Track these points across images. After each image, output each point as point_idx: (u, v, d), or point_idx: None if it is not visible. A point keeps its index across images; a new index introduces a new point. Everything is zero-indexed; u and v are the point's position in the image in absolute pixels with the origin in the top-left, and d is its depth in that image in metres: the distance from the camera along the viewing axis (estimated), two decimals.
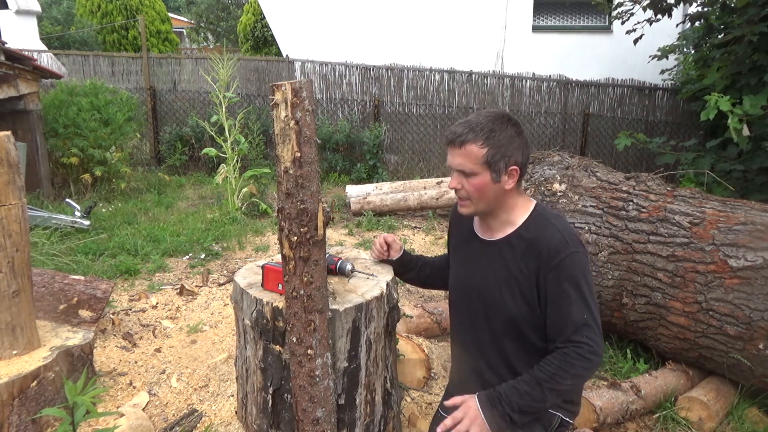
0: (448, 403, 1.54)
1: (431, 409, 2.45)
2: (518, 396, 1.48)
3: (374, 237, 5.32)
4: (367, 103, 8.08)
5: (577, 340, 1.48)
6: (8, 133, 2.01)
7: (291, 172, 1.45)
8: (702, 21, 6.48)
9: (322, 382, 1.55)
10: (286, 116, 1.42)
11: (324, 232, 1.49)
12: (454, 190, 1.59)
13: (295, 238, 1.49)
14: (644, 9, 6.23)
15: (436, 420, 1.84)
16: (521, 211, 1.59)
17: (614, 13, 6.69)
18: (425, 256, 2.08)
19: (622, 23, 6.57)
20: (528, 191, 3.36)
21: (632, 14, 6.43)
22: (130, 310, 3.49)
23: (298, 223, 1.48)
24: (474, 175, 1.52)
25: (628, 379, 2.58)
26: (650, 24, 6.32)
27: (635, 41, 6.39)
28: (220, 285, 3.98)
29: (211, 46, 21.33)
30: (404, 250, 2.04)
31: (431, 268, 2.02)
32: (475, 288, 1.66)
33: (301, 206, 1.47)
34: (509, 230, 1.59)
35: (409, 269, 2.02)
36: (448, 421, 1.49)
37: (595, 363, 1.49)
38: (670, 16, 6.26)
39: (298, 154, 1.44)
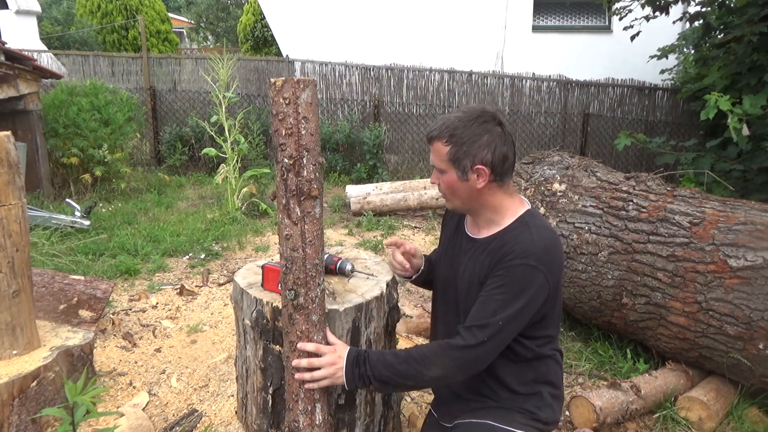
0: (303, 346, 1.47)
1: None
2: (384, 366, 1.44)
3: (374, 237, 5.30)
4: (367, 103, 8.08)
5: (462, 333, 1.44)
6: (8, 133, 2.01)
7: None
8: (701, 21, 6.48)
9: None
10: None
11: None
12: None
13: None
14: (642, 6, 6.24)
15: (427, 425, 1.82)
16: (510, 213, 1.54)
17: (613, 9, 6.69)
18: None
19: (620, 19, 6.57)
20: (528, 191, 3.35)
21: (630, 11, 6.43)
22: (130, 310, 3.49)
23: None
24: (443, 173, 1.52)
25: (628, 379, 2.58)
26: (647, 21, 6.31)
27: (632, 38, 6.39)
28: (220, 285, 3.98)
29: (211, 46, 21.32)
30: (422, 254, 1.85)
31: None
32: (452, 283, 1.65)
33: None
34: (494, 230, 1.55)
35: (430, 272, 1.86)
36: (303, 362, 1.46)
37: (459, 364, 1.43)
38: (667, 14, 6.26)
39: None
